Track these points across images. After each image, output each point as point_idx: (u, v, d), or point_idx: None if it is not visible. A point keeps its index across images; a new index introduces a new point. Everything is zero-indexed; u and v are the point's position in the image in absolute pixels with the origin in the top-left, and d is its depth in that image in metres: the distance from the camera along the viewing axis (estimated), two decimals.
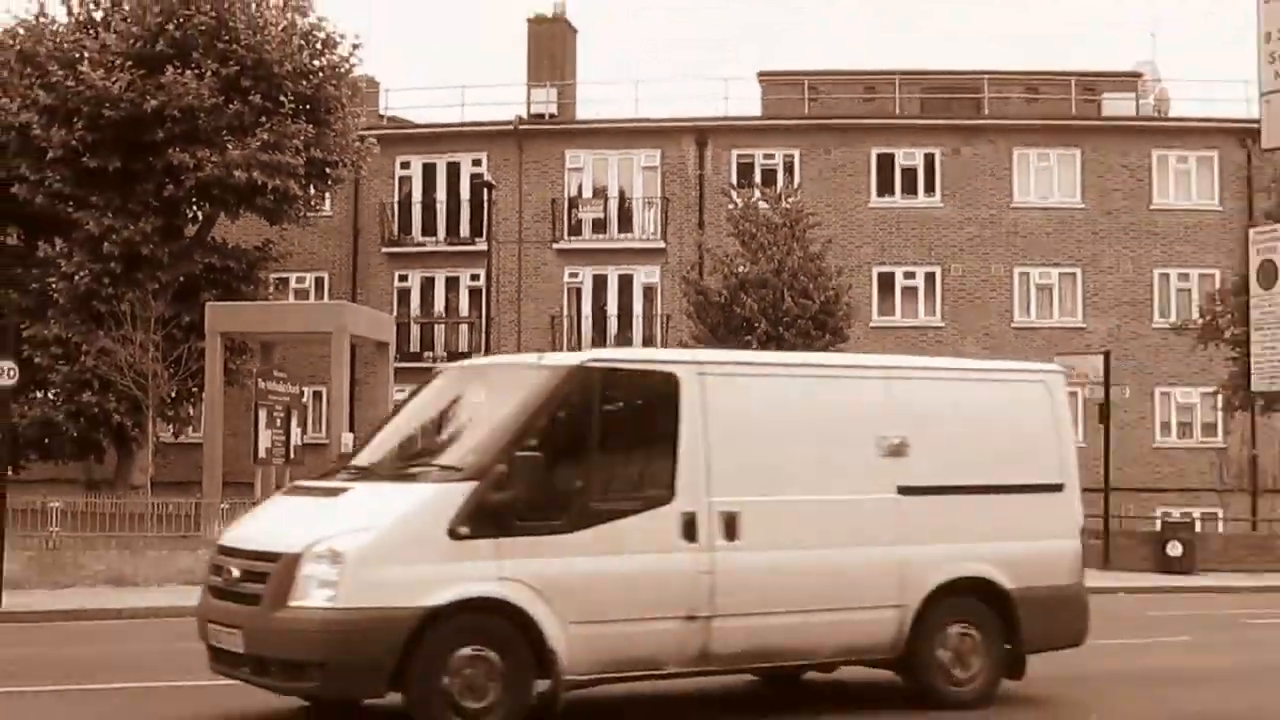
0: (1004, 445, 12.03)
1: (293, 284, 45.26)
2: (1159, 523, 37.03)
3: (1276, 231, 10.18)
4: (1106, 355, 35.52)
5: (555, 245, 46.12)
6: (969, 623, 11.45)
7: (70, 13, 35.57)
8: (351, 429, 29.89)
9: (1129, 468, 40.00)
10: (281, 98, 35.05)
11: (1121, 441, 37.79)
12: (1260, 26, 8.72)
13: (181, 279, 35.42)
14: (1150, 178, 46.12)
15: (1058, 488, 12.21)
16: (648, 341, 45.38)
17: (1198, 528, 37.59)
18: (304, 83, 35.57)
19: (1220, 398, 40.00)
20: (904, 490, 11.29)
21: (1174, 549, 33.03)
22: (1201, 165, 45.70)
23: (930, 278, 45.54)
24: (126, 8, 34.94)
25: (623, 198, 46.58)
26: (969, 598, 11.60)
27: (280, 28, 35.54)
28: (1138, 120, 47.74)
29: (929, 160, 45.78)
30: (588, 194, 46.63)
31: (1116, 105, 48.42)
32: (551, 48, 49.62)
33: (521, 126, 46.94)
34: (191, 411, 36.88)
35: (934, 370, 13.69)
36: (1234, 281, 35.92)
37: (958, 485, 11.64)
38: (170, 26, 33.94)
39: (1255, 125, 9.46)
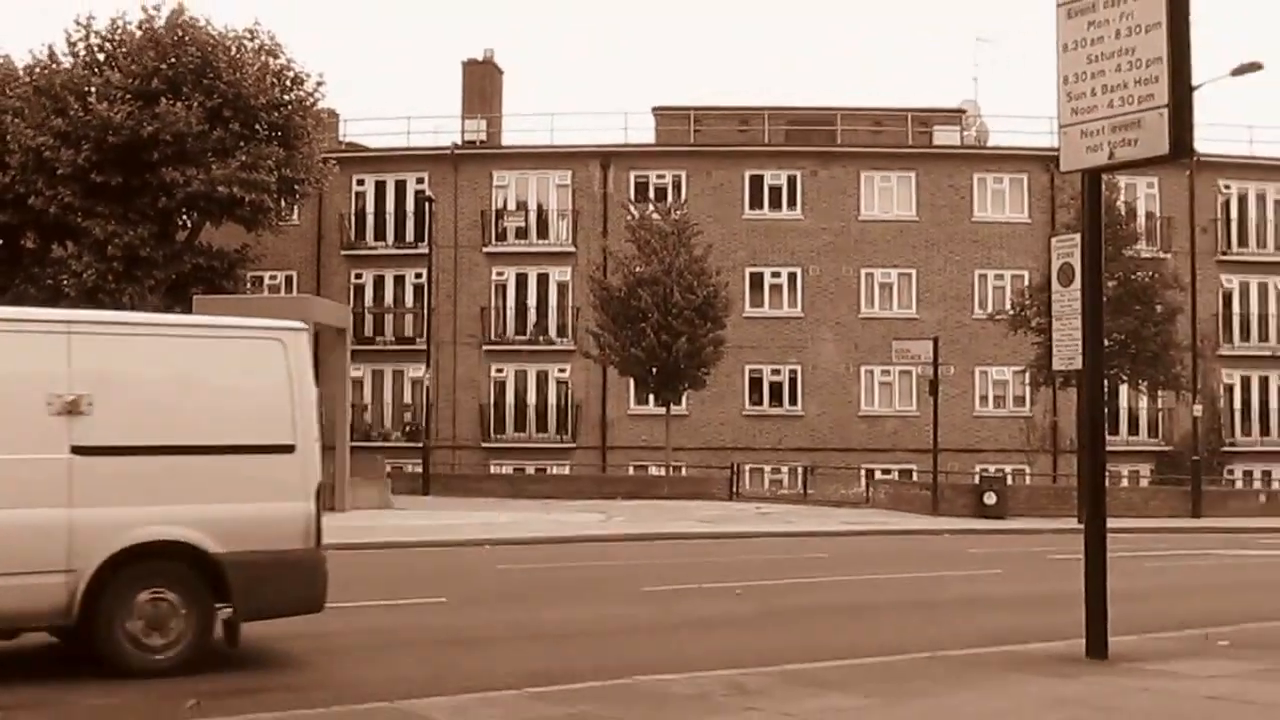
0: (219, 404, 9.88)
1: (266, 280, 45.65)
2: (977, 477, 37.25)
3: (1073, 240, 9.96)
4: (935, 341, 35.76)
5: (485, 249, 46.75)
6: (164, 588, 9.18)
7: (77, 55, 36.00)
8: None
9: (953, 433, 40.49)
10: (257, 126, 35.86)
11: (947, 411, 38.24)
12: (1059, 71, 9.19)
13: (173, 276, 35.66)
14: (972, 196, 47.02)
15: (288, 449, 9.86)
16: (560, 330, 46.37)
17: (1009, 481, 37.77)
18: (276, 114, 36.19)
19: (1028, 375, 39.72)
20: (80, 450, 9.06)
21: (989, 498, 33.07)
22: (1014, 185, 46.60)
23: (792, 277, 46.32)
24: (126, 50, 35.45)
25: (540, 210, 47.24)
26: (164, 562, 9.32)
27: (256, 67, 36.06)
28: (962, 149, 48.53)
29: (792, 180, 46.60)
30: (511, 207, 47.20)
31: (945, 136, 49.14)
32: (482, 85, 50.21)
33: (457, 151, 47.34)
34: None
35: (129, 326, 11.05)
36: (1039, 280, 36.44)
37: (154, 445, 9.48)
38: (164, 66, 34.64)
39: (1056, 153, 9.54)
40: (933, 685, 7.96)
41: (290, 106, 36.67)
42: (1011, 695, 7.68)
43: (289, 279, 46.73)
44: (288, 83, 36.94)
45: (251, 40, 36.67)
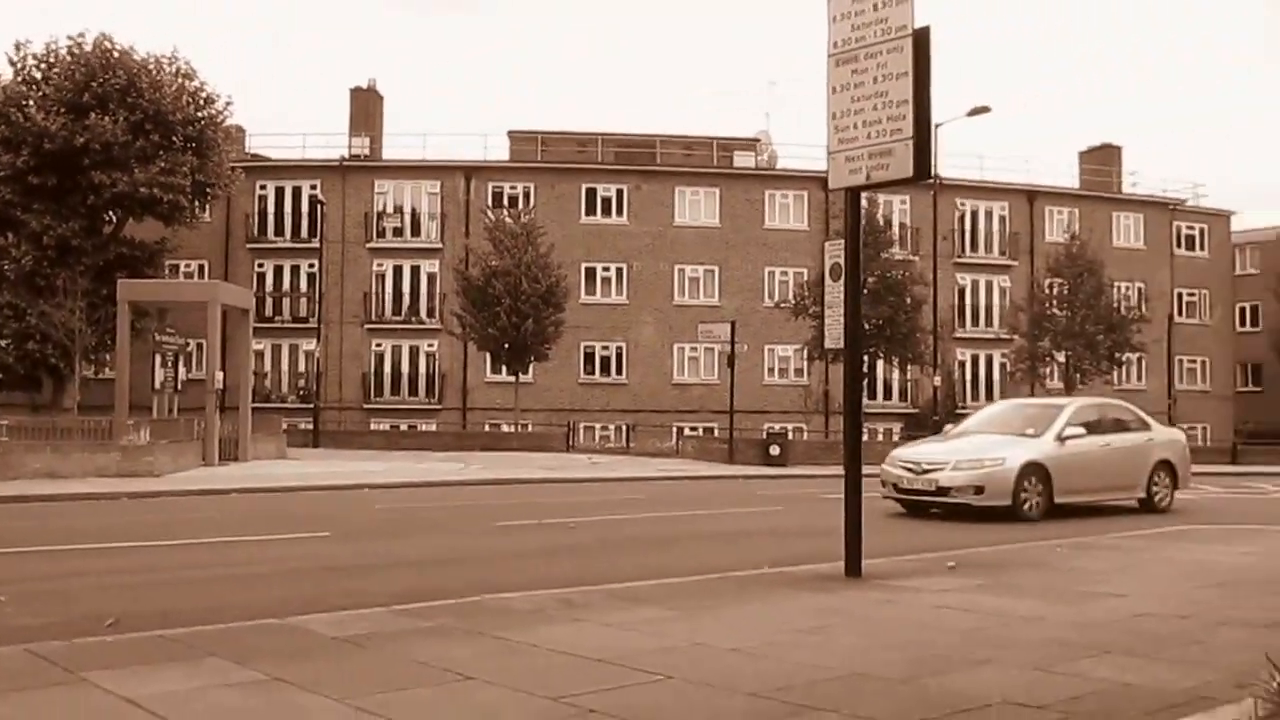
0: None
1: (182, 268, 44.54)
2: (765, 433, 37.48)
3: (840, 244, 9.77)
4: (733, 324, 36.14)
5: (367, 245, 46.15)
6: None
7: (17, 72, 34.55)
8: (222, 369, 29.92)
9: (747, 398, 41.36)
10: (174, 137, 34.93)
11: (742, 381, 38.99)
12: (829, 108, 9.22)
13: (101, 263, 34.69)
14: (764, 208, 47.93)
15: None
16: (430, 312, 45.89)
17: (790, 437, 38.18)
18: (191, 127, 35.27)
19: (806, 352, 40.83)
20: None
21: (774, 450, 33.39)
22: (797, 200, 47.71)
23: (620, 271, 46.72)
24: (58, 70, 34.16)
25: (414, 214, 46.80)
26: None
27: (174, 88, 35.10)
28: (756, 170, 49.51)
29: (620, 193, 46.94)
30: (389, 210, 46.71)
31: (743, 159, 50.04)
32: (366, 108, 49.39)
33: (344, 163, 46.70)
34: (107, 356, 36.16)
35: None
36: (815, 276, 37.49)
37: None
38: (94, 84, 33.56)
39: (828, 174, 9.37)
40: (724, 599, 8.05)
41: (203, 122, 35.74)
42: (784, 606, 7.80)
43: (201, 267, 45.75)
44: (201, 101, 36.04)
45: (170, 65, 35.79)
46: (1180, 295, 54.14)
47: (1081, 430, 16.64)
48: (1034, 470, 15.85)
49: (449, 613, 7.43)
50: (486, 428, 43.20)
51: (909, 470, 16.46)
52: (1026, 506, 15.67)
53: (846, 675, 5.67)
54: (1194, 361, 54.34)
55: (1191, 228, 55.93)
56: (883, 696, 5.23)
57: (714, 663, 5.98)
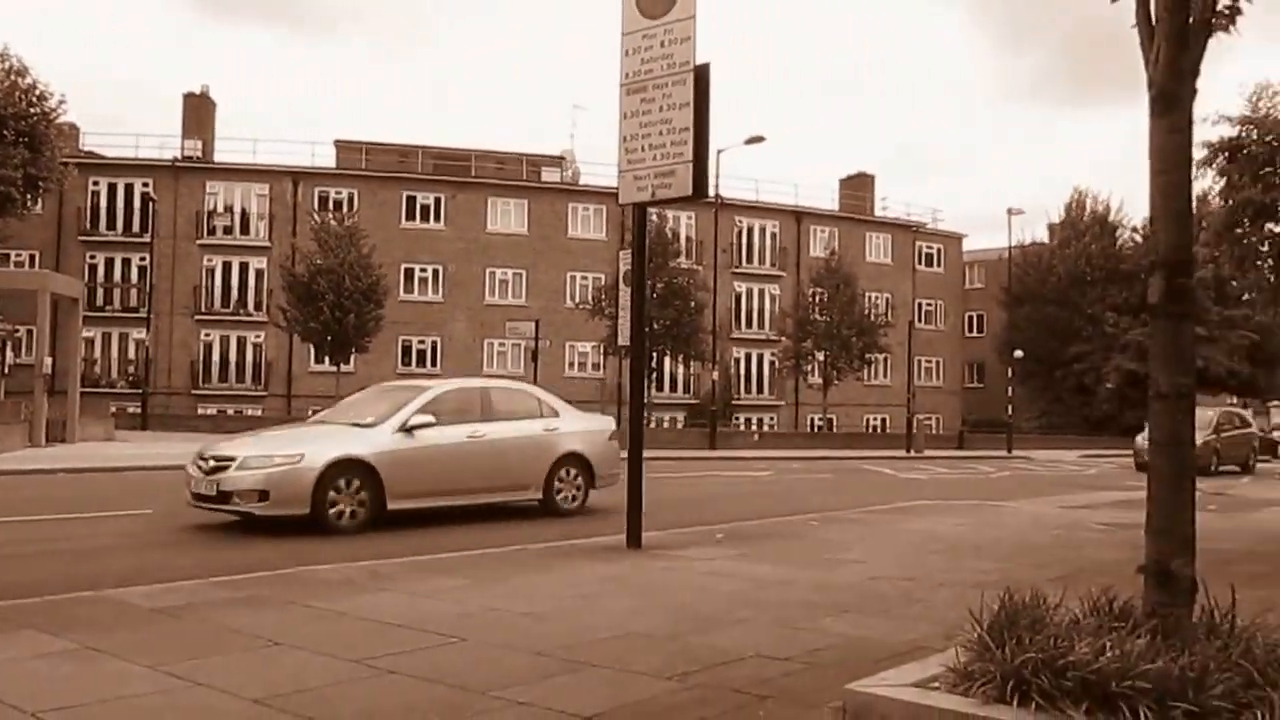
0: None
1: (13, 257, 41.32)
2: None
3: (628, 253, 10.00)
4: (537, 323, 35.92)
5: (198, 241, 43.87)
6: None
7: None
8: (51, 355, 28.01)
9: (552, 389, 40.76)
10: (5, 132, 32.24)
11: (545, 373, 38.73)
12: (620, 131, 9.28)
13: None
14: (567, 219, 47.92)
15: None
16: (257, 305, 44.10)
17: None
18: (23, 123, 32.62)
19: (602, 348, 40.94)
20: None
21: None
22: (597, 214, 47.79)
23: (436, 272, 45.87)
24: None
25: (244, 214, 44.69)
26: None
27: (6, 84, 32.51)
28: (561, 185, 49.36)
29: (438, 201, 46.09)
30: (220, 210, 44.59)
31: (549, 175, 49.87)
32: (199, 113, 46.96)
33: (177, 164, 44.27)
34: None
35: None
36: (611, 282, 37.66)
37: None
38: None
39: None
40: (518, 569, 8.00)
41: (35, 118, 33.13)
42: (573, 574, 7.81)
43: (33, 257, 42.50)
44: (34, 98, 33.39)
45: (3, 62, 33.06)
46: (920, 305, 56.86)
47: (432, 419, 11.72)
48: (350, 469, 10.92)
49: (263, 584, 7.15)
50: (310, 413, 41.70)
51: (200, 468, 11.10)
52: (337, 515, 10.79)
53: (622, 635, 5.71)
54: (930, 361, 57.21)
55: (930, 247, 58.86)
56: (652, 652, 5.29)
57: (506, 625, 5.93)
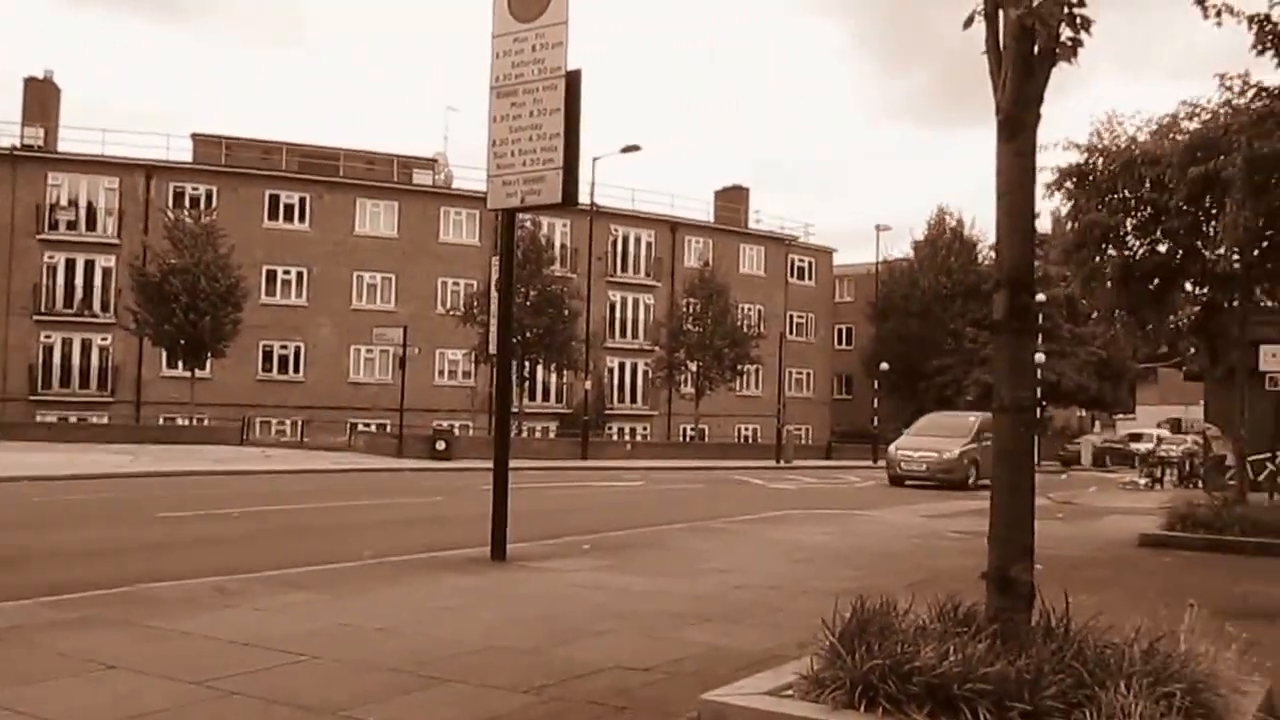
0: None
1: None
2: (433, 430, 36.29)
3: (497, 260, 9.80)
4: (405, 329, 35.73)
5: (38, 236, 41.82)
6: None
7: None
8: None
9: (419, 397, 40.77)
10: None
11: (414, 381, 38.63)
12: (490, 136, 9.24)
13: None
14: (439, 223, 47.47)
15: None
16: (104, 306, 42.31)
17: (457, 433, 37.73)
18: None
19: (473, 356, 40.67)
20: None
21: (440, 445, 32.81)
22: (470, 218, 47.37)
23: (300, 275, 44.83)
24: None
25: (90, 208, 42.82)
26: None
27: None
28: (433, 188, 48.90)
29: (303, 201, 45.08)
30: (64, 204, 42.63)
31: (421, 177, 49.34)
32: (42, 99, 44.84)
33: (15, 152, 42.13)
34: None
35: None
36: (483, 288, 37.16)
37: None
38: None
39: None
40: (376, 582, 7.89)
41: None
42: (433, 587, 7.74)
43: None
44: None
45: None
46: (792, 317, 58.10)
47: None
48: None
49: (99, 603, 6.86)
50: (161, 421, 40.26)
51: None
52: None
53: (481, 648, 5.70)
54: (801, 373, 58.50)
55: (802, 260, 60.28)
56: (511, 666, 5.29)
57: (359, 642, 5.85)
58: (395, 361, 38.74)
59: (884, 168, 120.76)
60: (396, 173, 48.68)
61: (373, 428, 41.75)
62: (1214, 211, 11.84)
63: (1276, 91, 9.37)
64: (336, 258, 45.11)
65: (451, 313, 41.16)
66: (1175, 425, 51.47)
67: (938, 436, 25.66)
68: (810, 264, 60.79)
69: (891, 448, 27.11)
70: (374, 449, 35.81)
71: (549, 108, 9.06)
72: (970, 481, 24.00)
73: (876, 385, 49.79)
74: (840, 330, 64.74)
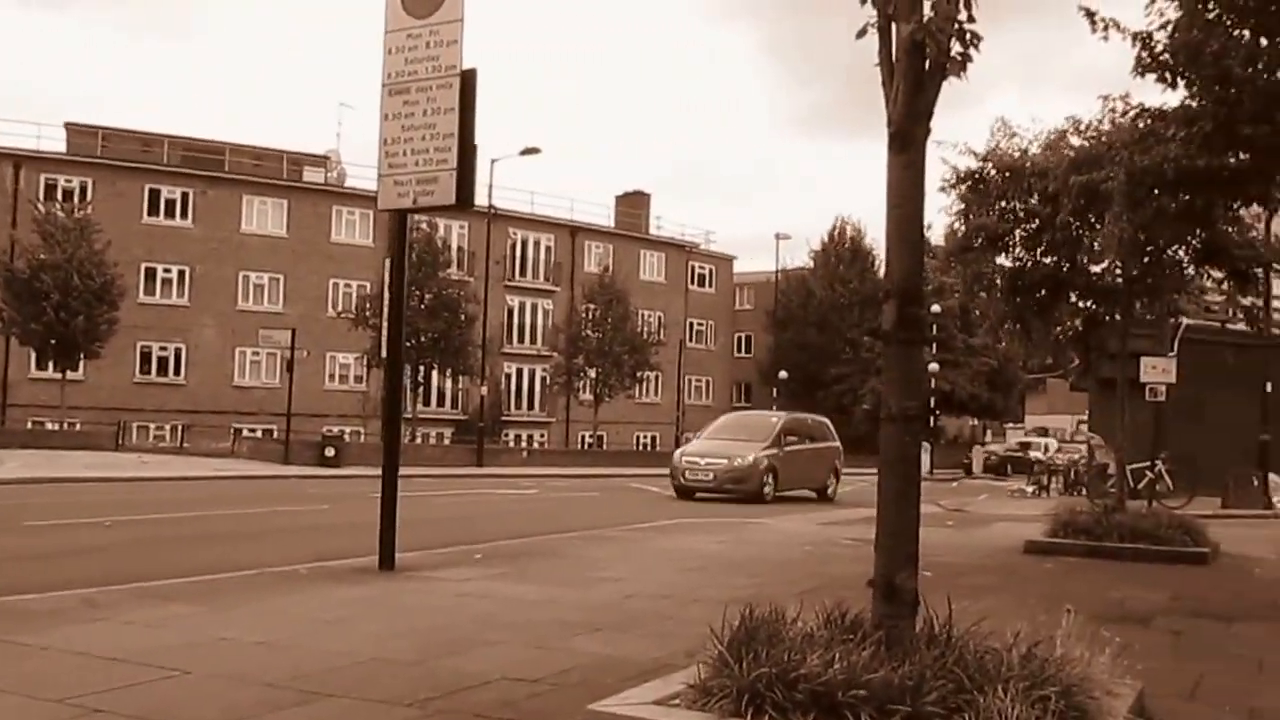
0: None
1: None
2: (322, 436, 36.34)
3: (389, 264, 9.66)
4: (293, 331, 35.07)
5: None
6: None
7: None
8: None
9: (308, 401, 40.18)
10: None
11: (303, 385, 37.99)
12: (381, 134, 9.13)
13: None
14: (331, 223, 46.77)
15: None
16: None
17: (347, 439, 37.29)
18: None
19: (366, 360, 40.14)
20: None
21: (330, 452, 32.42)
22: (363, 218, 46.71)
23: (182, 273, 43.72)
24: None
25: None
26: None
27: None
28: (325, 186, 48.14)
29: (185, 196, 43.95)
30: None
31: (313, 175, 48.51)
32: None
33: None
34: None
35: None
36: (376, 290, 36.74)
37: None
38: None
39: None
40: (257, 594, 7.71)
41: None
42: (316, 599, 7.59)
43: None
44: None
45: None
46: (692, 324, 58.60)
47: None
48: None
49: None
50: (29, 425, 38.70)
51: None
52: None
53: (364, 661, 5.61)
54: (700, 380, 59.03)
55: (703, 267, 60.85)
56: (395, 679, 5.22)
57: (236, 656, 5.71)
58: (283, 364, 37.91)
59: (789, 177, 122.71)
60: (286, 169, 47.78)
61: (258, 433, 40.86)
62: (1096, 226, 12.27)
63: (1156, 112, 9.75)
64: (221, 256, 44.05)
65: (343, 315, 40.59)
66: (1042, 433, 53.71)
67: (733, 440, 22.17)
68: (711, 271, 61.39)
69: (677, 454, 23.09)
70: (259, 455, 35.03)
71: (443, 107, 8.99)
72: (767, 493, 21.11)
73: (775, 394, 50.47)
74: (740, 338, 65.48)
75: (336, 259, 46.17)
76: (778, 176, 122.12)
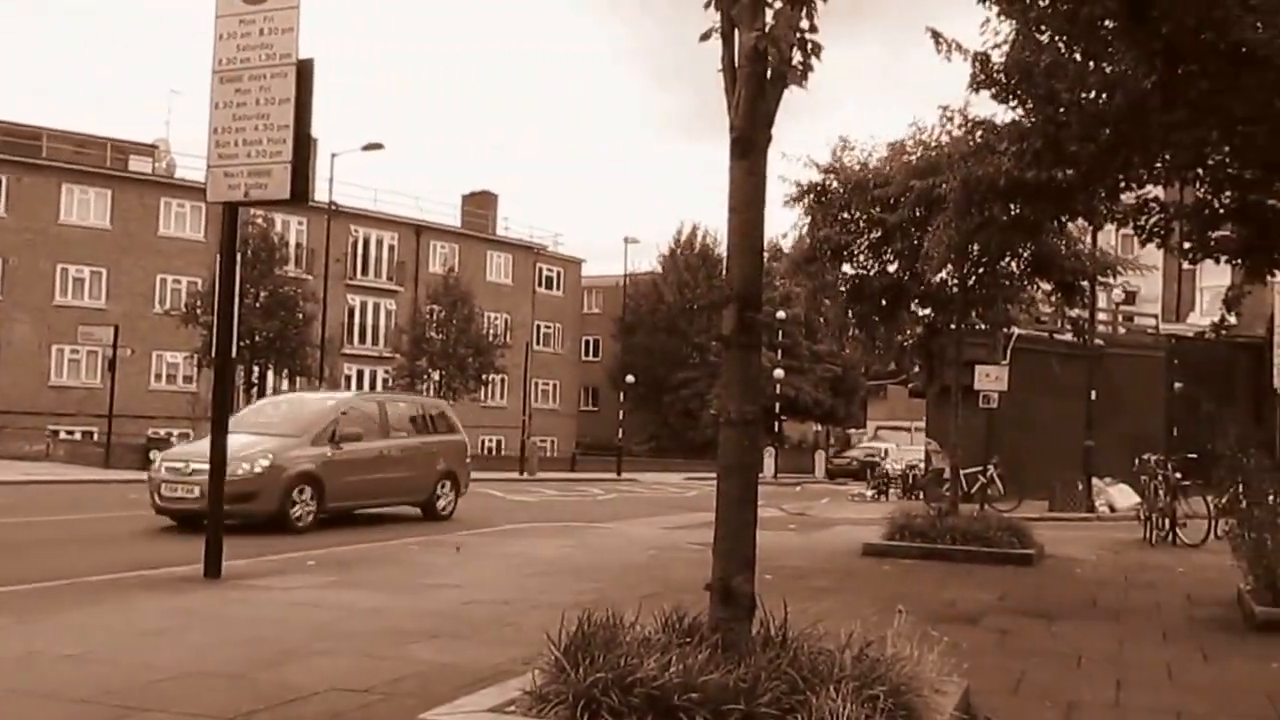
0: None
1: None
2: (148, 438, 33.09)
3: (220, 260, 9.32)
4: (116, 328, 33.49)
5: None
6: None
7: None
8: None
9: (132, 402, 38.47)
10: None
11: (127, 385, 36.43)
12: (211, 123, 8.85)
13: None
14: (159, 215, 44.81)
15: None
16: None
17: (174, 442, 35.08)
18: None
19: (195, 359, 38.64)
20: None
21: (154, 455, 31.12)
22: (194, 211, 44.65)
23: None
24: None
25: None
26: None
27: None
28: (153, 176, 46.18)
29: None
30: None
31: (139, 164, 46.43)
32: None
33: None
34: None
35: None
36: (207, 286, 35.48)
37: None
38: None
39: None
40: (71, 604, 7.35)
41: None
42: (135, 610, 7.28)
43: None
44: None
45: None
46: (539, 327, 58.43)
47: None
48: None
49: None
50: None
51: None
52: None
53: (185, 674, 5.40)
54: (547, 384, 58.92)
55: (551, 270, 60.77)
56: (216, 692, 5.04)
57: (46, 670, 5.43)
58: (104, 363, 36.22)
59: (645, 181, 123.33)
60: (110, 158, 45.54)
61: (77, 435, 38.91)
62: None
63: (989, 126, 10.20)
64: (37, 248, 41.69)
65: (171, 312, 38.88)
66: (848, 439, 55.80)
67: (259, 435, 14.61)
68: (559, 274, 61.36)
69: (158, 460, 15.51)
70: (78, 459, 33.35)
71: (278, 97, 8.76)
72: (299, 515, 14.09)
73: (623, 398, 50.75)
74: (588, 342, 65.63)
75: (165, 253, 44.27)
76: (634, 180, 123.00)
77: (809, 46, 4.69)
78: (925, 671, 4.45)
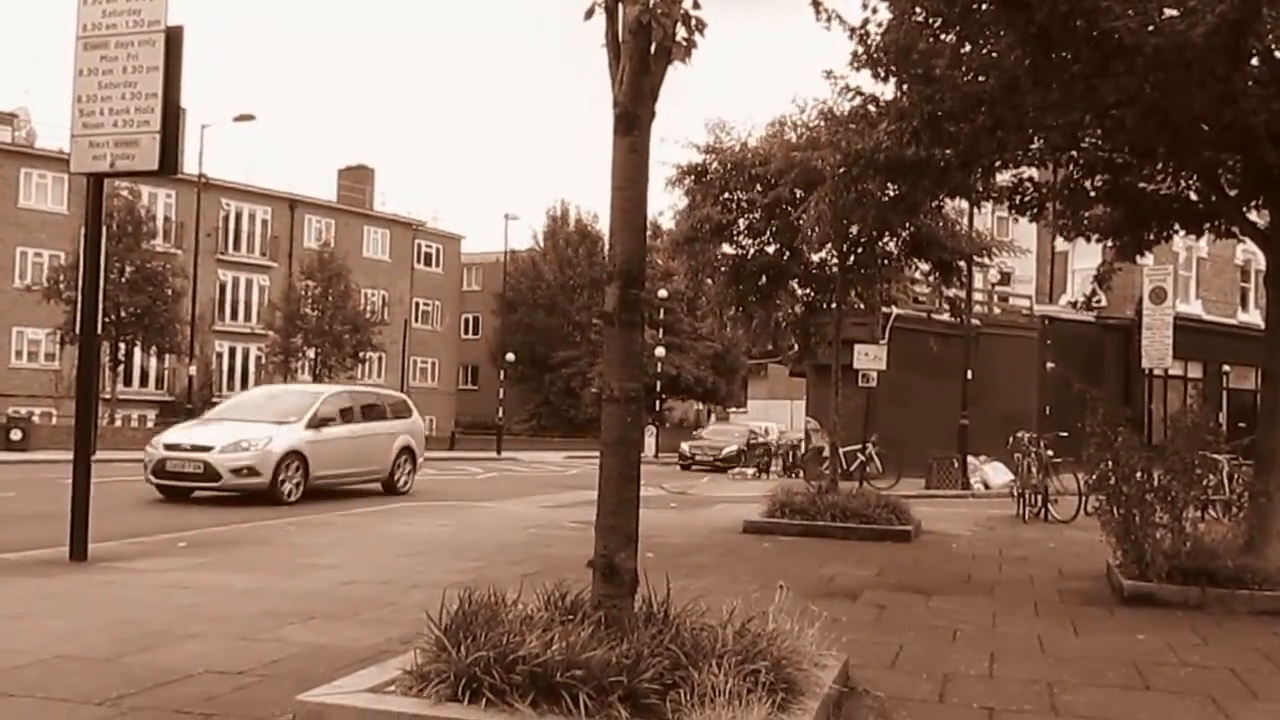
0: None
1: None
2: (6, 417, 32.38)
3: (84, 233, 8.88)
4: None
5: None
6: None
7: None
8: None
9: None
10: None
11: None
12: (75, 91, 8.49)
13: None
14: (19, 186, 42.92)
15: None
16: None
17: (37, 421, 34.01)
18: None
19: (58, 336, 37.12)
20: None
21: (16, 435, 29.71)
22: (57, 182, 42.86)
23: None
24: None
25: None
26: None
27: None
28: (12, 146, 44.11)
29: None
30: None
31: None
32: None
33: None
34: None
35: None
36: (72, 260, 34.20)
37: None
38: None
39: None
40: None
41: None
42: None
43: None
44: None
45: None
46: (418, 304, 57.64)
47: None
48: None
49: None
50: None
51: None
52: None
53: (50, 659, 5.20)
54: (426, 362, 58.21)
55: (430, 246, 59.93)
56: (84, 677, 4.87)
57: None
58: None
59: (525, 157, 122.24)
60: None
61: None
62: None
63: (870, 98, 10.32)
64: None
65: (33, 288, 37.31)
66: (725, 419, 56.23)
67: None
68: (438, 250, 60.56)
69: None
70: None
71: (145, 64, 8.46)
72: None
73: (503, 376, 50.45)
74: (468, 319, 65.01)
75: (25, 226, 42.38)
76: (516, 157, 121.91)
77: (693, 22, 4.68)
78: (805, 646, 4.54)
